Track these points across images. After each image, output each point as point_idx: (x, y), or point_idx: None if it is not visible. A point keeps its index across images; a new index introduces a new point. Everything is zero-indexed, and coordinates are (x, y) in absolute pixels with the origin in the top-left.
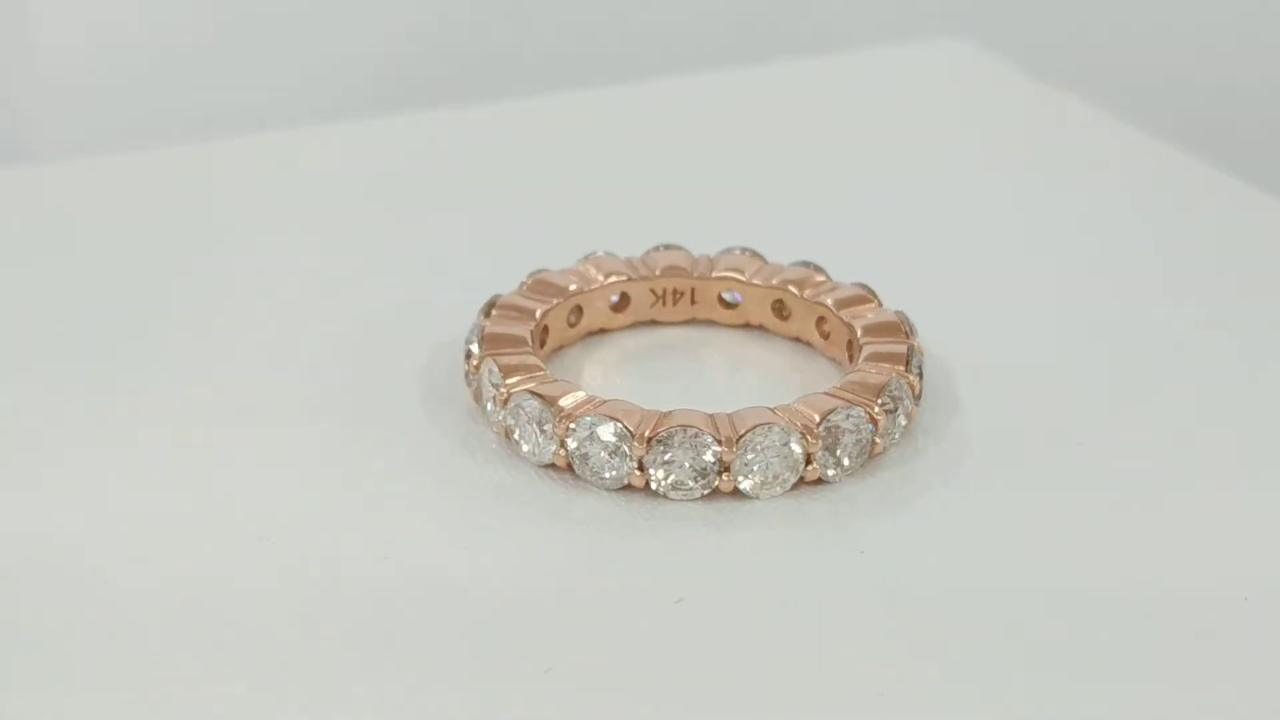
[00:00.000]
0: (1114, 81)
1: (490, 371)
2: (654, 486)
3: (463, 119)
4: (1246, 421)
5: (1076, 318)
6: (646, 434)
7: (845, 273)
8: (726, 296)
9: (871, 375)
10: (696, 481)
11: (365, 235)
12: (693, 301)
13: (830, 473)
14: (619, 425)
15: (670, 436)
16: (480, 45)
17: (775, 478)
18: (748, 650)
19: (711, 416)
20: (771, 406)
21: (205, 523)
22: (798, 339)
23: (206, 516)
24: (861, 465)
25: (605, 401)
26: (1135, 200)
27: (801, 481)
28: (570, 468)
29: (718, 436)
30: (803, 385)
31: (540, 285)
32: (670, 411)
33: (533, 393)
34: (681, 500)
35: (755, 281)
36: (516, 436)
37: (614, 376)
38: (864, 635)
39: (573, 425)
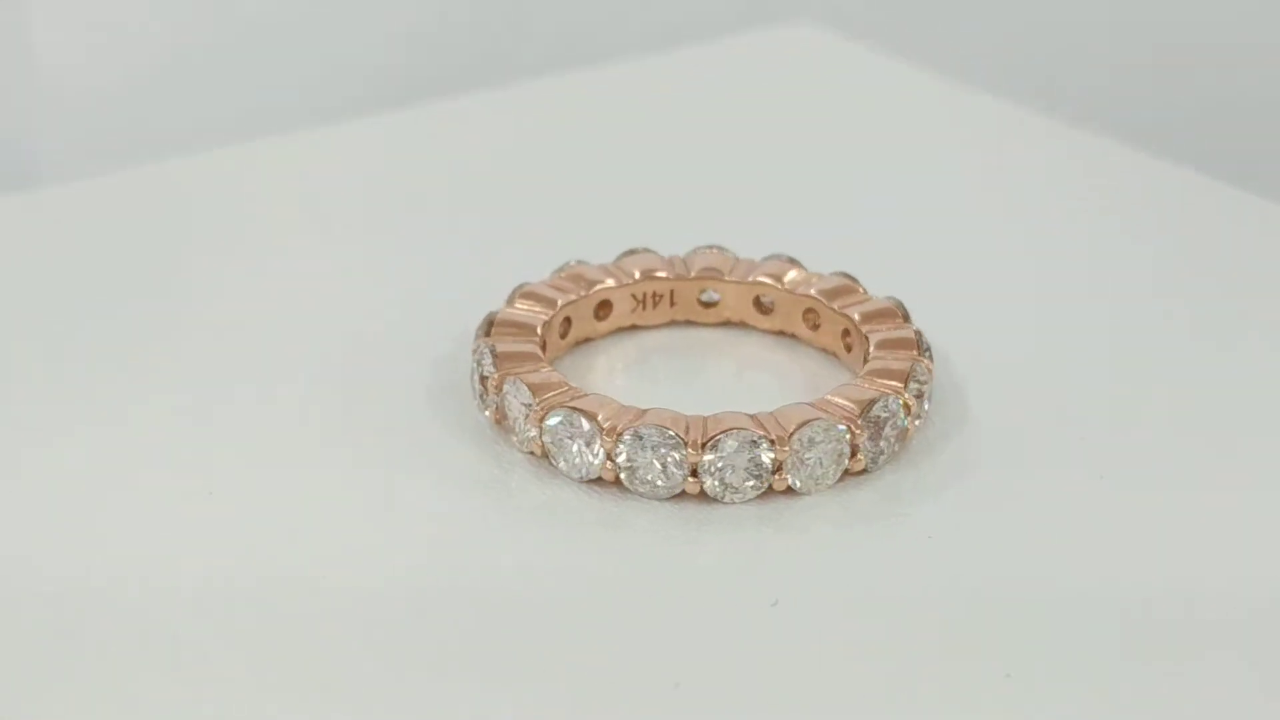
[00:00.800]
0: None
1: (518, 390)
2: (708, 491)
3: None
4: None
5: (1043, 307)
6: (700, 440)
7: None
8: (704, 297)
9: (893, 362)
10: (748, 482)
11: (317, 247)
12: (672, 304)
13: (873, 462)
14: (670, 433)
15: (723, 440)
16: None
17: (826, 472)
18: (860, 645)
19: (755, 417)
20: (809, 402)
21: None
22: (781, 332)
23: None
24: (897, 453)
25: (645, 411)
26: (1037, 180)
27: (846, 473)
28: (617, 480)
29: (769, 436)
30: (805, 378)
31: (531, 298)
32: (717, 415)
33: (573, 408)
34: (738, 503)
35: (734, 279)
36: (555, 454)
37: (622, 383)
38: (964, 620)
39: (621, 437)
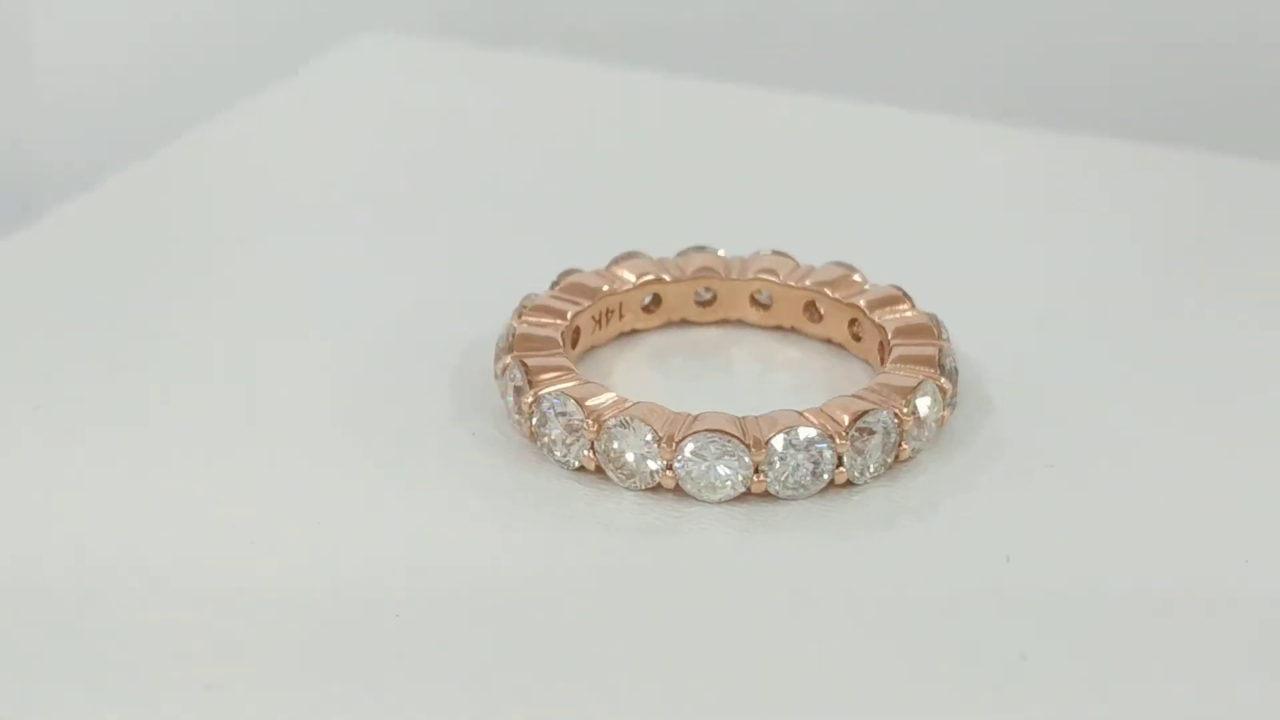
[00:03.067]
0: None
1: (635, 430)
2: (855, 477)
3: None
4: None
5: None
6: (848, 429)
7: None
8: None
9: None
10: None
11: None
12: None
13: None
14: (816, 433)
15: (871, 430)
16: None
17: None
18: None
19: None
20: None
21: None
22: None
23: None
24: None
25: (772, 415)
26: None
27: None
28: (765, 493)
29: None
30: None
31: (532, 343)
32: (848, 407)
33: (711, 431)
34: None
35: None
36: (688, 482)
37: (644, 384)
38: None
39: (766, 446)
